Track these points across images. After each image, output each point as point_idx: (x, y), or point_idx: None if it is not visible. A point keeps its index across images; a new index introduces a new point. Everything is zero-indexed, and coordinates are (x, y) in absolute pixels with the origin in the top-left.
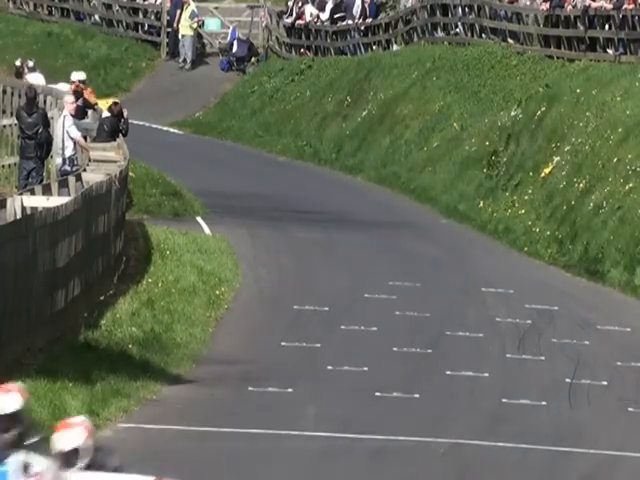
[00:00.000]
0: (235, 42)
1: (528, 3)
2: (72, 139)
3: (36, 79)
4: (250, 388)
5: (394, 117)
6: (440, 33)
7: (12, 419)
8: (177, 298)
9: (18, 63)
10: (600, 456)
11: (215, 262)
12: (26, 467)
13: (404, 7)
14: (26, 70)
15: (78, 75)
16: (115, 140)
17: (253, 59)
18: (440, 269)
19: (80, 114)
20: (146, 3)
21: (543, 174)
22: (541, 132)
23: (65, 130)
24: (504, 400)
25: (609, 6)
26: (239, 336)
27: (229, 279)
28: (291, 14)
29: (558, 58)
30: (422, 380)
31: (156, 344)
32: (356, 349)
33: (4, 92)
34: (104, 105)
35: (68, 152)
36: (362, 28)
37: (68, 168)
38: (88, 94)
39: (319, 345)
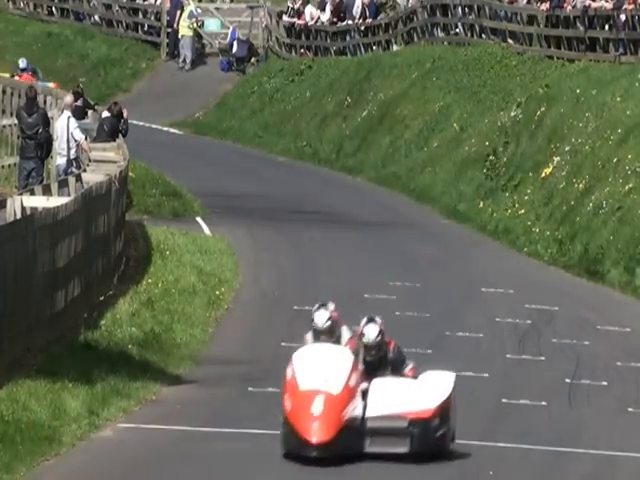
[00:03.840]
0: (235, 42)
1: (523, 4)
2: (76, 141)
3: None
4: (250, 388)
5: (394, 117)
6: (440, 33)
7: None
8: (177, 298)
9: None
10: (600, 456)
11: (215, 262)
12: None
13: (404, 7)
14: None
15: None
16: (115, 140)
17: (253, 59)
18: (440, 269)
19: (80, 114)
20: (146, 3)
21: (543, 174)
22: (541, 132)
23: (70, 132)
24: (504, 400)
25: (609, 6)
26: (239, 336)
27: (229, 279)
28: (293, 15)
29: (558, 58)
30: None
31: (156, 344)
32: None
33: (4, 92)
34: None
35: (74, 153)
36: (362, 28)
37: (75, 170)
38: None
39: None
